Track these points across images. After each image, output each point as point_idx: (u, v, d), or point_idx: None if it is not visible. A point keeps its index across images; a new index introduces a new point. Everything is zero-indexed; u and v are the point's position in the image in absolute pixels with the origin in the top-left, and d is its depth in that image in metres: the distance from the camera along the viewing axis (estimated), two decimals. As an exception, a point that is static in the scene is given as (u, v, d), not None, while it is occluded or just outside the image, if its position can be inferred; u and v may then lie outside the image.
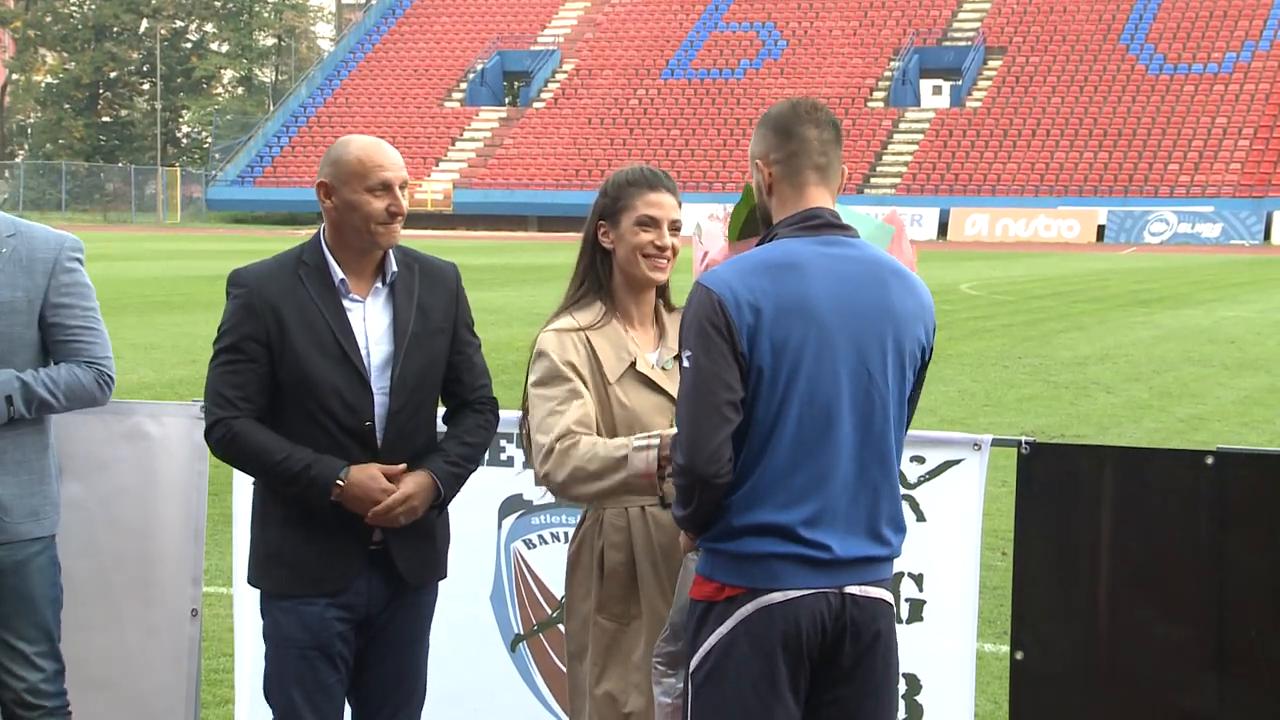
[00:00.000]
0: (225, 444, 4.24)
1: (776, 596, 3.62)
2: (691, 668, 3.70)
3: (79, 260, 4.68)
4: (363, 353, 4.24)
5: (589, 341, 4.09)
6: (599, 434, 4.03)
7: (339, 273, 4.27)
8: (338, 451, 4.21)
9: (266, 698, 4.39)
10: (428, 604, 4.47)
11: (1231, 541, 4.38)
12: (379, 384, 4.26)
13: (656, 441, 3.93)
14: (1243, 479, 4.39)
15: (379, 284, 4.31)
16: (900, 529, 3.76)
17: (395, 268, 4.32)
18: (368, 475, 4.19)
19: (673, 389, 4.11)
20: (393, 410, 4.25)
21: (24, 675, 4.68)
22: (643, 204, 4.15)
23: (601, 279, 4.19)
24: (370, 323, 4.28)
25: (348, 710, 4.48)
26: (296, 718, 4.30)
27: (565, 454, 3.95)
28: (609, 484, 3.94)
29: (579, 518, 4.27)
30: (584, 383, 4.05)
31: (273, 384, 4.24)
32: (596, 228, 4.19)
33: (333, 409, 4.21)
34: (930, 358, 3.78)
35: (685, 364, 3.61)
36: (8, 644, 4.66)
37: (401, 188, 4.26)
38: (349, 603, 4.28)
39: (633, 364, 4.11)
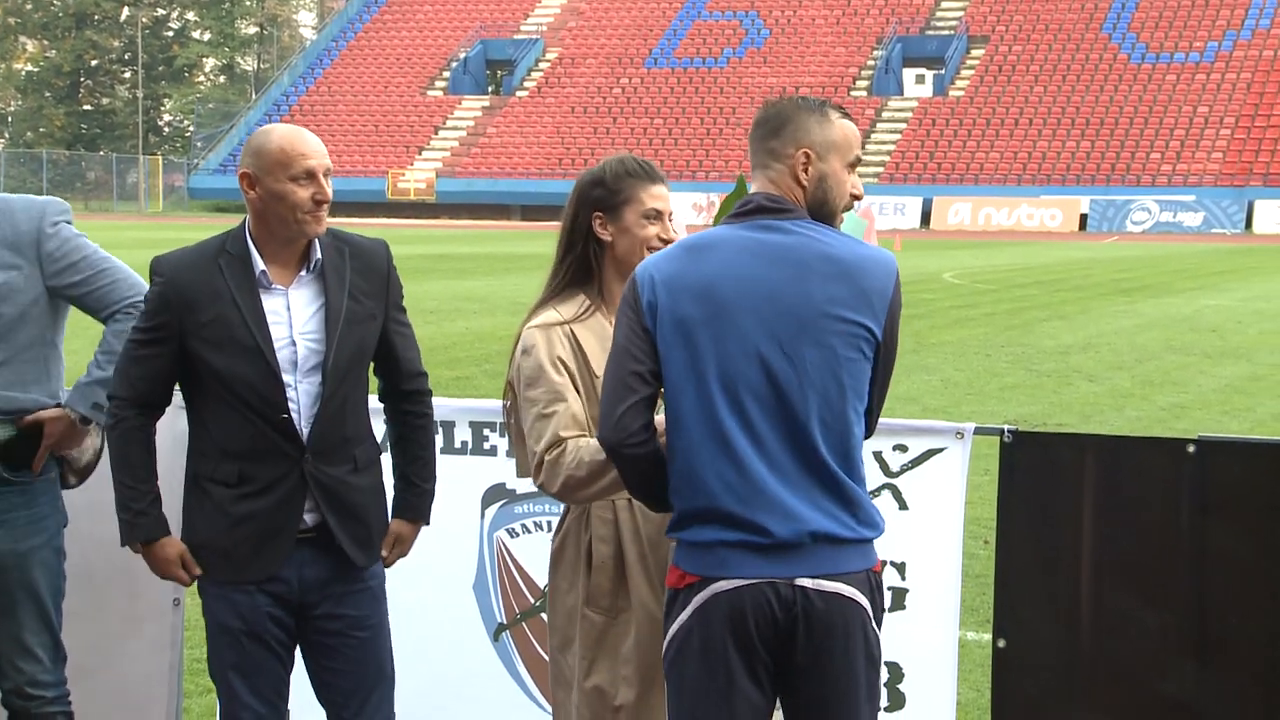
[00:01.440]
0: (110, 430, 4.37)
1: (724, 585, 3.63)
2: (665, 646, 3.75)
3: (62, 221, 4.65)
4: (281, 344, 4.20)
5: (573, 334, 4.05)
6: (589, 429, 4.02)
7: (260, 264, 4.23)
8: (264, 442, 4.20)
9: (211, 677, 4.42)
10: (378, 588, 4.42)
11: (1212, 529, 4.40)
12: (308, 374, 4.22)
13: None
14: (1224, 467, 4.40)
15: (304, 272, 4.27)
16: (855, 511, 3.67)
17: (320, 254, 4.27)
18: (169, 558, 4.34)
19: None
20: (324, 399, 4.23)
21: (24, 667, 4.66)
22: (647, 197, 4.12)
23: (593, 270, 4.14)
24: (296, 312, 4.24)
25: (311, 705, 4.49)
26: (237, 700, 4.32)
27: (555, 464, 3.93)
28: (603, 485, 3.94)
29: (562, 510, 4.26)
30: (572, 377, 4.02)
31: (181, 375, 4.27)
32: (592, 219, 4.13)
33: (250, 401, 4.19)
34: (887, 342, 3.70)
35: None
36: (11, 635, 4.65)
37: (326, 175, 4.22)
38: (278, 590, 4.28)
39: None
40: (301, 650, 4.41)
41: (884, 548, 4.48)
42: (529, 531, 5.20)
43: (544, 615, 5.15)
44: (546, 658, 5.16)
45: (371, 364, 4.43)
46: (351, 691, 4.39)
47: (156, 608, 5.18)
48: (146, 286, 4.45)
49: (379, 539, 4.42)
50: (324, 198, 4.21)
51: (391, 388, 4.48)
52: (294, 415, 4.21)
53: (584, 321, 4.08)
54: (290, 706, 4.47)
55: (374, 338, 4.34)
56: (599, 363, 4.03)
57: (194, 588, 4.42)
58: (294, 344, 4.22)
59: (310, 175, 4.19)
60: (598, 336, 4.07)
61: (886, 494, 4.77)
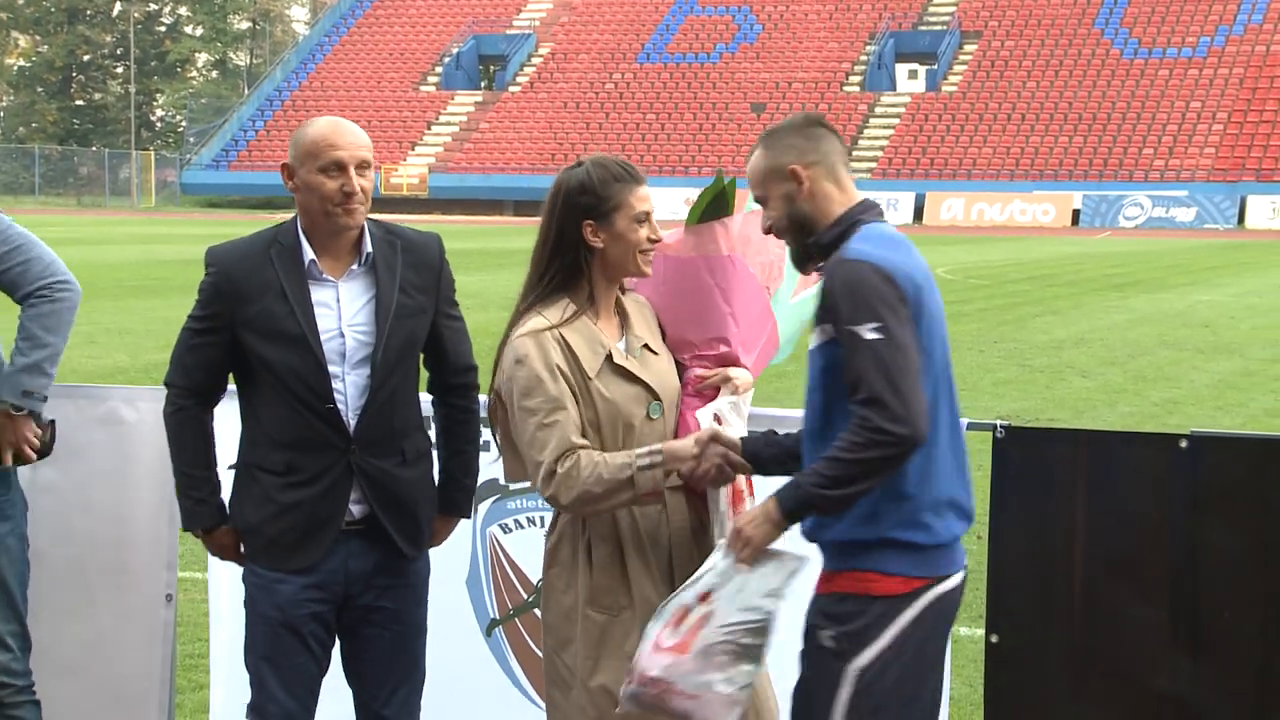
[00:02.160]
0: (169, 418, 4.42)
1: (953, 581, 3.84)
2: (864, 663, 3.73)
3: None
4: (329, 335, 4.22)
5: (564, 339, 4.02)
6: (586, 434, 4.00)
7: (309, 254, 4.25)
8: (311, 432, 4.22)
9: (245, 666, 4.42)
10: (418, 585, 4.45)
11: (1205, 525, 4.40)
12: (356, 367, 4.24)
13: (660, 459, 3.94)
14: (1216, 462, 4.40)
15: (356, 265, 4.29)
16: None
17: (370, 247, 4.29)
18: (227, 544, 4.44)
19: (647, 377, 4.10)
20: (372, 391, 4.24)
21: None
22: (636, 200, 4.07)
23: (582, 276, 4.09)
24: (346, 304, 4.26)
25: (333, 692, 4.49)
26: (266, 691, 4.34)
27: (569, 476, 3.91)
28: (616, 502, 3.95)
29: (554, 510, 4.25)
30: (568, 381, 3.99)
31: (235, 364, 4.31)
32: (582, 227, 4.06)
33: (298, 391, 4.22)
34: None
35: (870, 334, 3.62)
36: None
37: (362, 168, 4.21)
38: (322, 582, 4.29)
39: (608, 356, 4.06)
40: (339, 635, 4.42)
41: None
42: (522, 527, 5.20)
43: (537, 611, 5.15)
44: (539, 654, 5.16)
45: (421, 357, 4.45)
46: (380, 683, 4.42)
47: (149, 604, 5.18)
48: (65, 270, 4.52)
49: (428, 532, 4.45)
50: (351, 189, 4.19)
51: (439, 381, 4.51)
52: (341, 406, 4.23)
53: (571, 325, 4.05)
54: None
55: (424, 331, 4.36)
56: (591, 366, 4.02)
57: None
58: (342, 336, 4.24)
59: (340, 167, 4.19)
60: (586, 340, 4.05)
61: (879, 489, 4.77)
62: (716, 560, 3.89)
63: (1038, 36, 69.07)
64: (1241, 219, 57.88)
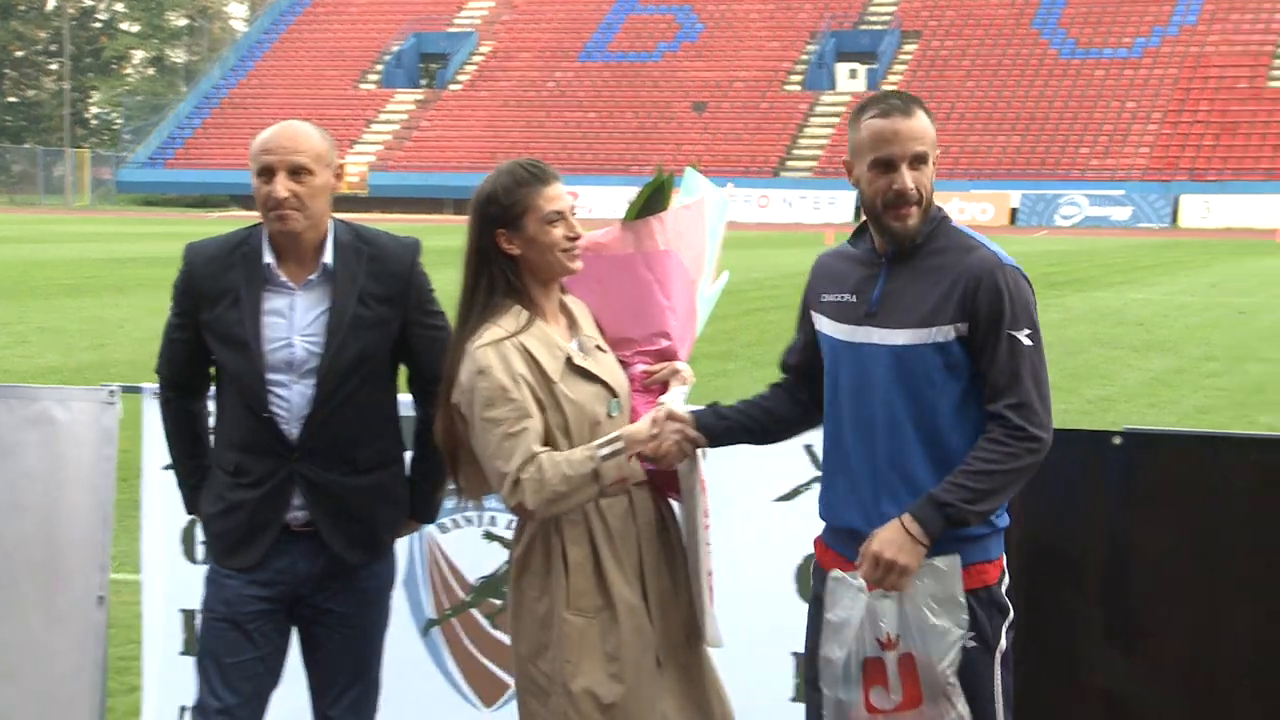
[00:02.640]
0: (163, 411, 4.49)
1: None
2: (1004, 648, 3.86)
3: None
4: (279, 344, 4.18)
5: (524, 347, 3.99)
6: (556, 439, 3.99)
7: (269, 259, 4.22)
8: (256, 437, 4.22)
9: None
10: (373, 589, 4.43)
11: (1138, 520, 4.43)
12: (305, 376, 4.20)
13: (621, 444, 3.94)
14: (1149, 459, 4.44)
15: (315, 274, 4.24)
16: None
17: (330, 256, 4.23)
18: None
19: (604, 375, 4.09)
20: (318, 402, 4.21)
21: None
22: (544, 201, 4.02)
23: (514, 284, 4.05)
24: (300, 313, 4.22)
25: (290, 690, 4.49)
26: (208, 685, 4.33)
27: (533, 480, 3.90)
28: (583, 497, 3.95)
29: (509, 525, 4.22)
30: (532, 389, 3.96)
31: (205, 357, 4.33)
32: (495, 238, 4.04)
33: (243, 396, 4.22)
34: None
35: (1027, 341, 3.79)
36: None
37: (296, 173, 4.14)
38: (270, 580, 4.28)
39: (568, 359, 4.04)
40: (299, 632, 4.42)
41: (810, 541, 4.49)
42: (459, 526, 5.18)
43: (475, 611, 5.14)
44: (476, 653, 5.14)
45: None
46: (329, 684, 4.42)
47: (80, 605, 5.13)
48: None
49: (387, 537, 4.42)
50: (277, 196, 4.12)
51: (415, 388, 4.48)
52: (283, 414, 4.20)
53: (529, 332, 4.02)
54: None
55: (386, 343, 4.30)
56: (553, 370, 4.00)
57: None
58: (292, 345, 4.20)
59: (268, 171, 4.16)
60: (545, 345, 4.02)
61: (816, 486, 4.78)
62: (849, 601, 3.82)
63: (976, 36, 69.49)
64: (1175, 218, 58.42)
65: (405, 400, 4.50)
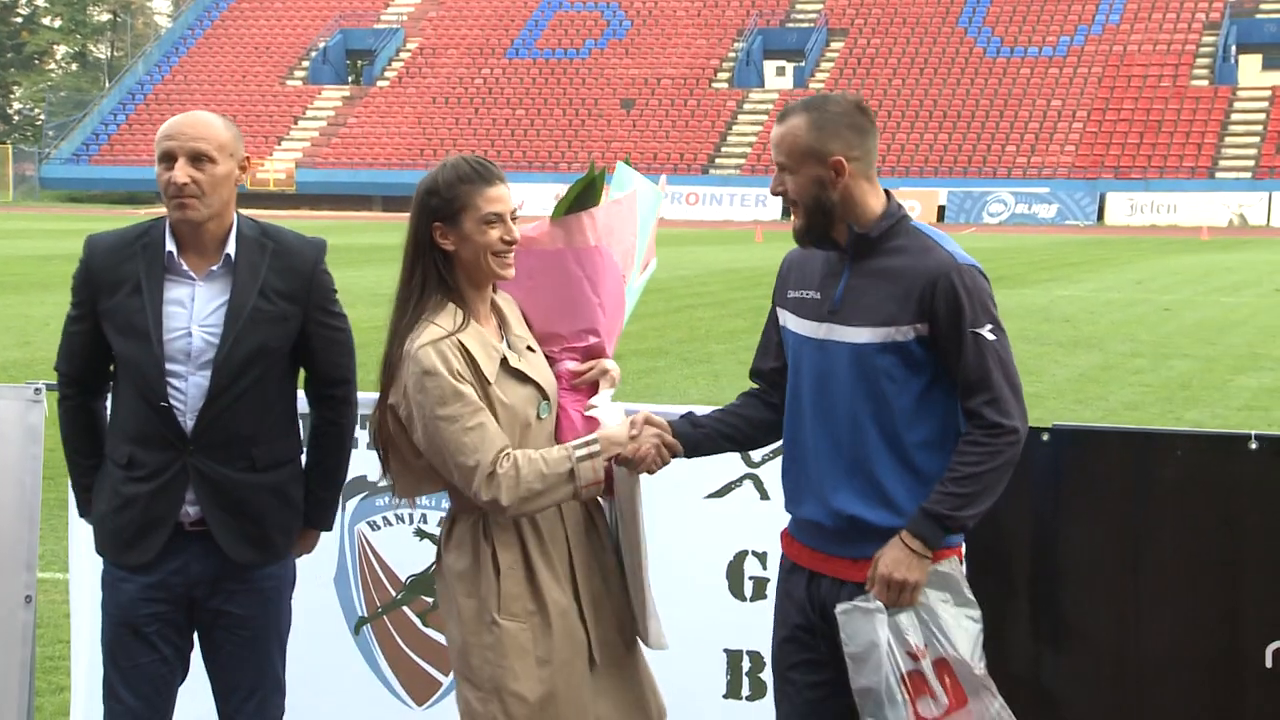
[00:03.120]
0: (61, 409, 4.40)
1: None
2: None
3: None
4: (177, 334, 4.15)
5: (462, 345, 3.96)
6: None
7: (171, 248, 4.19)
8: (150, 428, 4.17)
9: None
10: (270, 589, 4.36)
11: (1066, 517, 4.47)
12: (201, 368, 4.17)
13: (597, 447, 3.94)
14: (1076, 455, 4.48)
15: (217, 265, 4.22)
16: None
17: (233, 248, 4.21)
18: None
19: (536, 377, 4.08)
20: (213, 395, 4.17)
21: None
22: (484, 201, 3.99)
23: (447, 280, 4.03)
24: (200, 303, 4.19)
25: (194, 695, 4.44)
26: (111, 690, 4.31)
27: (508, 476, 3.87)
28: (557, 497, 3.94)
29: (440, 522, 4.20)
30: (473, 387, 3.94)
31: (105, 352, 4.27)
32: (431, 230, 4.02)
33: (139, 386, 4.18)
34: None
35: (990, 336, 3.86)
36: None
37: (197, 159, 4.12)
38: (163, 582, 4.24)
39: (503, 360, 4.02)
40: (199, 637, 4.37)
41: (746, 537, 4.52)
42: (390, 524, 5.16)
43: (407, 609, 5.13)
44: (409, 651, 5.13)
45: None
46: (232, 688, 4.37)
47: (7, 605, 5.08)
48: None
49: (281, 539, 4.35)
50: (176, 182, 4.12)
51: (313, 390, 4.44)
52: (180, 406, 4.16)
53: (465, 331, 3.99)
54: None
55: (287, 339, 4.27)
56: (490, 371, 3.98)
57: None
58: (190, 335, 4.17)
59: (169, 157, 4.15)
60: (481, 345, 4.00)
61: (748, 484, 4.80)
62: (868, 627, 3.87)
63: (903, 34, 69.88)
64: (1101, 215, 58.99)
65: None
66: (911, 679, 3.86)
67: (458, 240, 4.01)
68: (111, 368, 4.31)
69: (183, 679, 4.38)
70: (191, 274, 4.20)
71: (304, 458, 4.42)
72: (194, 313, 4.18)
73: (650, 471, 4.07)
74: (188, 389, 4.17)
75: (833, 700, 4.01)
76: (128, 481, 4.22)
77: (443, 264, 4.03)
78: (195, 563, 4.24)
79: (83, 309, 4.25)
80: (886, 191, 4.02)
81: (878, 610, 3.88)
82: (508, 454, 3.90)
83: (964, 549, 4.07)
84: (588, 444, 3.95)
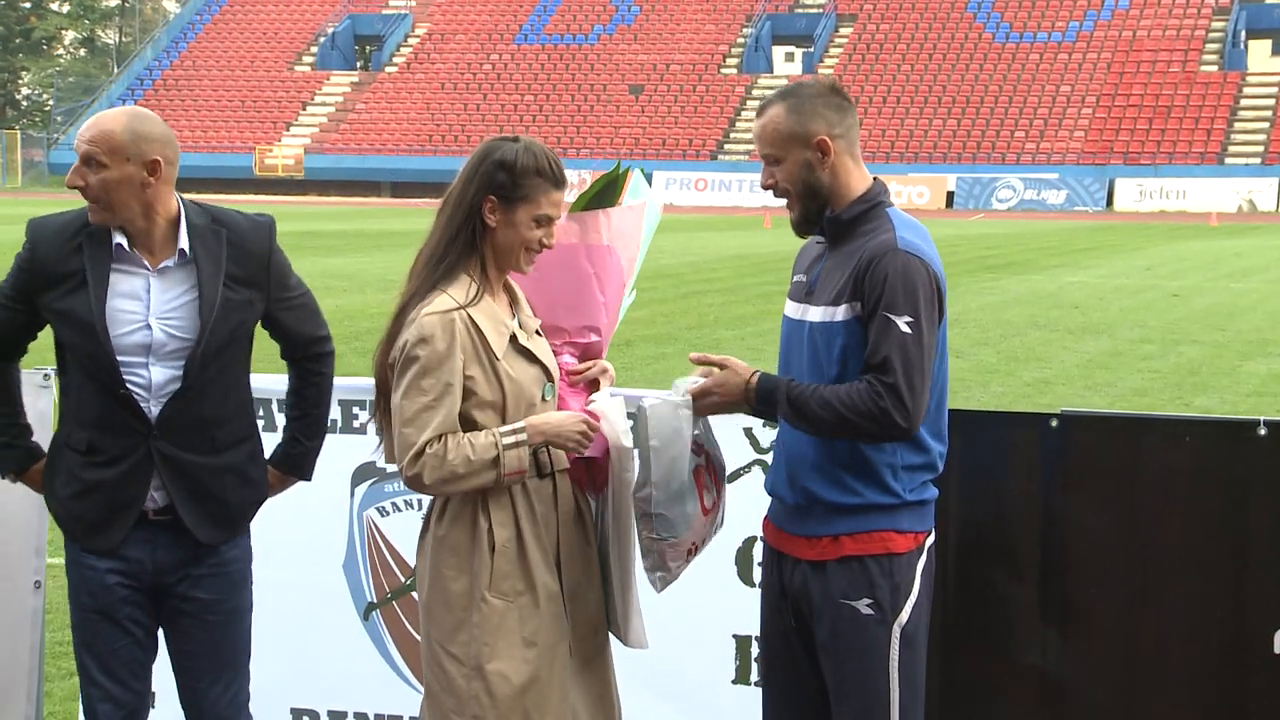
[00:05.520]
0: None
1: (933, 535, 4.02)
2: (905, 621, 3.89)
3: None
4: (133, 326, 4.13)
5: (471, 320, 3.97)
6: (485, 422, 3.98)
7: (120, 240, 4.17)
8: (112, 415, 4.17)
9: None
10: (235, 572, 4.37)
11: (1074, 502, 4.48)
12: (166, 359, 4.16)
13: (524, 436, 3.95)
14: (1085, 441, 4.48)
15: (172, 258, 4.18)
16: None
17: (187, 241, 4.18)
18: (41, 484, 4.39)
19: (543, 358, 4.10)
20: (184, 385, 4.17)
21: None
22: (546, 202, 4.03)
23: (476, 251, 4.05)
24: (157, 296, 4.16)
25: (165, 678, 4.47)
26: (87, 676, 4.32)
27: (435, 457, 3.90)
28: (478, 483, 3.94)
29: (440, 498, 4.21)
30: (476, 363, 3.96)
31: (31, 335, 4.31)
32: (484, 200, 4.02)
33: (95, 375, 4.17)
34: None
35: (904, 327, 3.77)
36: None
37: (86, 162, 4.12)
38: (130, 570, 4.25)
39: (512, 337, 4.04)
40: (162, 625, 4.37)
41: (755, 524, 4.52)
42: (399, 510, 5.17)
43: (415, 594, 5.13)
44: (418, 637, 5.14)
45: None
46: (203, 672, 4.37)
47: (17, 590, 5.10)
48: None
49: (242, 516, 4.37)
50: (69, 181, 4.15)
51: (289, 354, 4.49)
52: (141, 394, 4.16)
53: (477, 305, 4.01)
54: (156, 687, 4.42)
55: (252, 323, 4.31)
56: (498, 347, 4.00)
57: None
58: (149, 327, 4.15)
59: (78, 160, 4.17)
60: (491, 320, 4.01)
61: (756, 469, 4.81)
62: (672, 419, 4.01)
63: (912, 20, 69.73)
64: (1110, 201, 58.89)
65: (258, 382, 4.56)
66: (696, 474, 4.02)
67: (504, 223, 4.03)
68: (30, 344, 4.35)
69: (154, 657, 4.40)
70: (145, 266, 4.18)
71: (259, 436, 4.45)
72: (151, 305, 4.16)
73: (578, 452, 4.10)
74: (150, 376, 4.17)
75: (807, 693, 4.05)
76: (89, 467, 4.21)
77: (478, 235, 4.05)
78: (161, 551, 4.26)
79: (19, 294, 4.23)
80: (875, 178, 4.02)
81: (685, 404, 3.99)
82: (442, 436, 3.91)
83: (932, 537, 4.03)
84: (515, 431, 3.95)
